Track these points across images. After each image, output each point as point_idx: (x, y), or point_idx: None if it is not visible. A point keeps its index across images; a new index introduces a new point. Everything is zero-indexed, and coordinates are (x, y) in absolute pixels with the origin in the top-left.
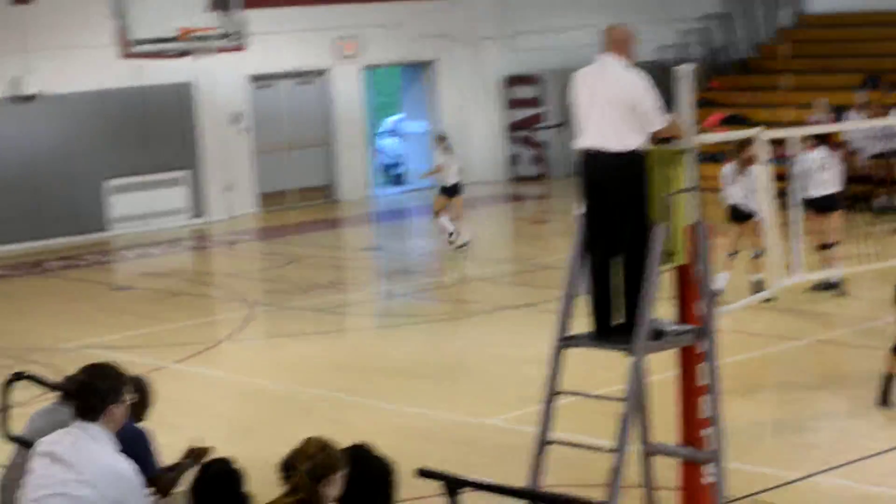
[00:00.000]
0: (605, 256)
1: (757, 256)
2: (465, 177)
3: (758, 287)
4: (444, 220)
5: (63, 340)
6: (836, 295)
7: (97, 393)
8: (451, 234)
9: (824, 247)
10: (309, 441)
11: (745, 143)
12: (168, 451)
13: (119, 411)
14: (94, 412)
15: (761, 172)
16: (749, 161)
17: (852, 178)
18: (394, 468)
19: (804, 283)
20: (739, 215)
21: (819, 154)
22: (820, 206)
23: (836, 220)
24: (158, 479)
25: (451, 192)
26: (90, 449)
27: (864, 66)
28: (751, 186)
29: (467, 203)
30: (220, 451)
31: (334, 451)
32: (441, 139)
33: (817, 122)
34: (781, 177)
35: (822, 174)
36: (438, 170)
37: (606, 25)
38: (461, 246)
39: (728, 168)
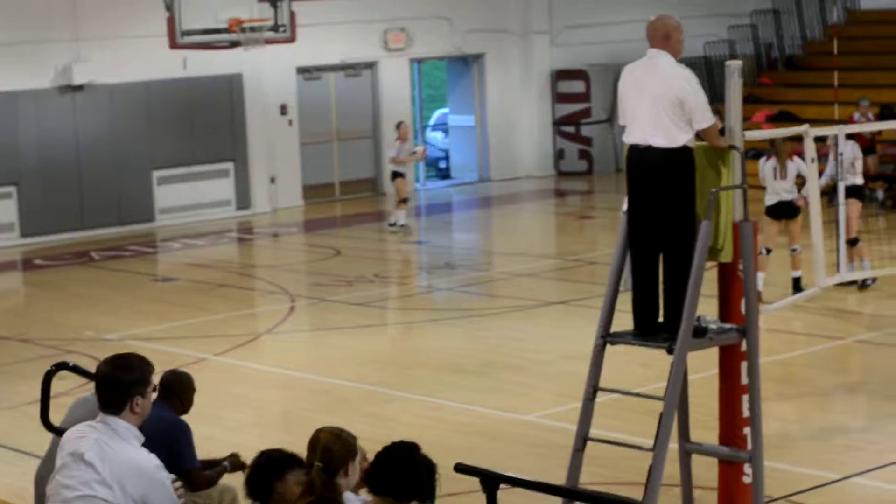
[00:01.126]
0: (649, 253)
1: (797, 252)
2: (502, 171)
3: (797, 284)
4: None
5: (106, 331)
6: (861, 290)
7: (121, 385)
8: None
9: (850, 242)
10: (320, 434)
11: (788, 139)
12: (208, 443)
13: (144, 403)
14: (117, 405)
15: (810, 170)
16: (790, 156)
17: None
18: (436, 467)
19: (842, 281)
20: (779, 212)
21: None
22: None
23: (853, 210)
24: (194, 472)
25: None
26: (112, 446)
27: None
28: (793, 180)
29: (514, 198)
30: (259, 444)
31: (346, 441)
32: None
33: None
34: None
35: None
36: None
37: (650, 18)
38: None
39: (770, 163)
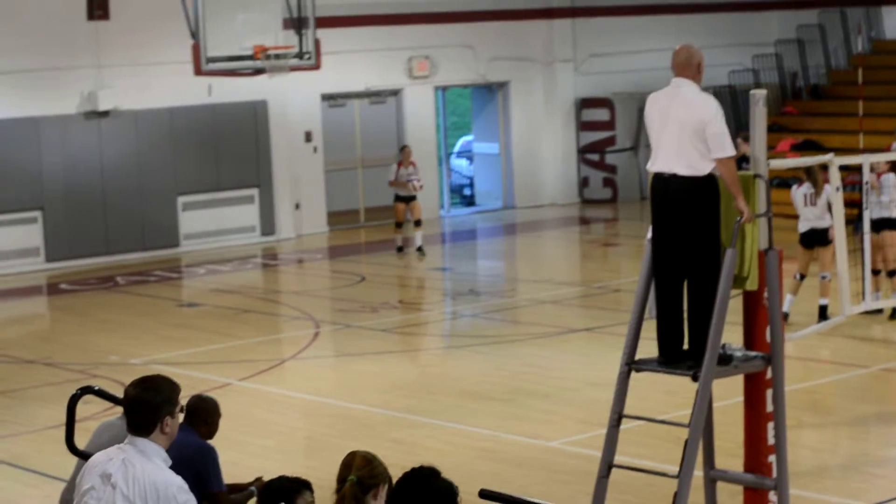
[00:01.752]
0: (674, 280)
1: (826, 279)
2: (527, 198)
3: (823, 312)
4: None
5: (130, 356)
6: (891, 319)
7: (149, 407)
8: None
9: (890, 273)
10: (356, 454)
11: (820, 167)
12: (232, 468)
13: (173, 424)
14: (146, 427)
15: (835, 199)
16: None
17: None
18: (458, 492)
19: (871, 309)
20: (811, 239)
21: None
22: (880, 226)
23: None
24: (221, 496)
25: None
26: (137, 466)
27: None
28: (824, 208)
29: (539, 225)
30: (282, 469)
31: (380, 464)
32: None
33: None
34: (852, 203)
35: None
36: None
37: (675, 48)
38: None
39: (801, 190)
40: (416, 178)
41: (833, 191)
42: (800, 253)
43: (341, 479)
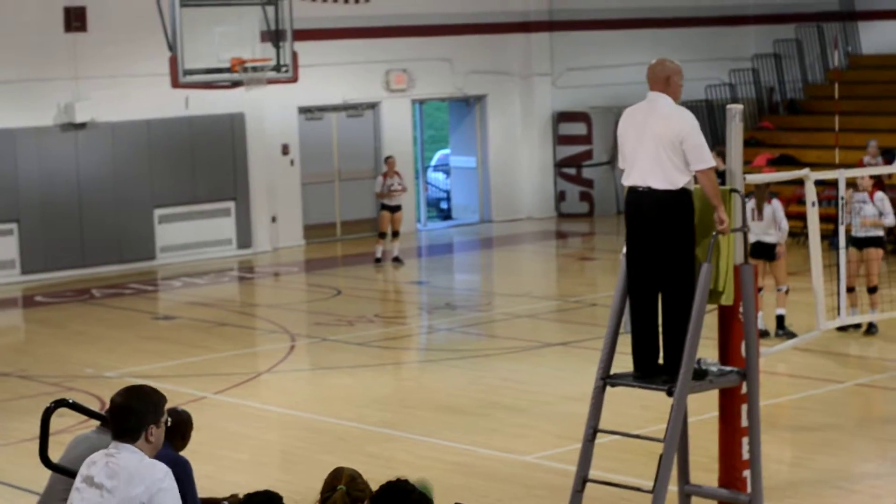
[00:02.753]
0: (648, 295)
1: (781, 291)
2: (503, 212)
3: (781, 322)
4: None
5: (106, 369)
6: (867, 335)
7: (135, 415)
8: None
9: (871, 290)
10: (342, 469)
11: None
12: (206, 482)
13: (157, 434)
14: (130, 434)
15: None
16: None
17: None
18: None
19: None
20: (758, 251)
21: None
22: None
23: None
24: None
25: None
26: (120, 460)
27: None
28: (770, 222)
29: (515, 239)
30: (257, 483)
31: (365, 482)
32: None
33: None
34: (828, 218)
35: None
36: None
37: (651, 62)
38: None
39: (749, 205)
40: (399, 183)
41: (808, 206)
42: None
43: (330, 489)
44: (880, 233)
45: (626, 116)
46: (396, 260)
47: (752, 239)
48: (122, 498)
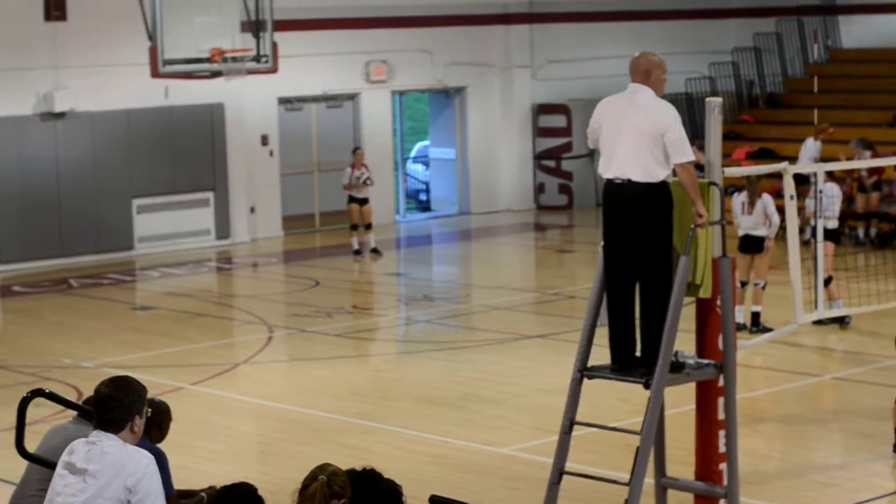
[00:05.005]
0: (626, 287)
1: (759, 286)
2: (482, 204)
3: (756, 318)
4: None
5: (83, 359)
6: (841, 328)
7: (121, 406)
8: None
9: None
10: (328, 464)
11: (765, 177)
12: (183, 472)
13: (140, 425)
14: (116, 424)
15: (788, 208)
16: (762, 191)
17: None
18: (401, 491)
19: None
20: (747, 245)
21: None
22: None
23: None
24: (170, 500)
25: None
26: (102, 446)
27: (895, 102)
28: (760, 216)
29: (494, 231)
30: (235, 474)
31: (347, 480)
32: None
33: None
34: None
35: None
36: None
37: (635, 54)
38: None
39: (739, 198)
40: (367, 177)
41: (787, 199)
42: (739, 260)
43: (312, 478)
44: (829, 225)
45: (606, 104)
46: (375, 251)
47: (740, 233)
48: (106, 483)
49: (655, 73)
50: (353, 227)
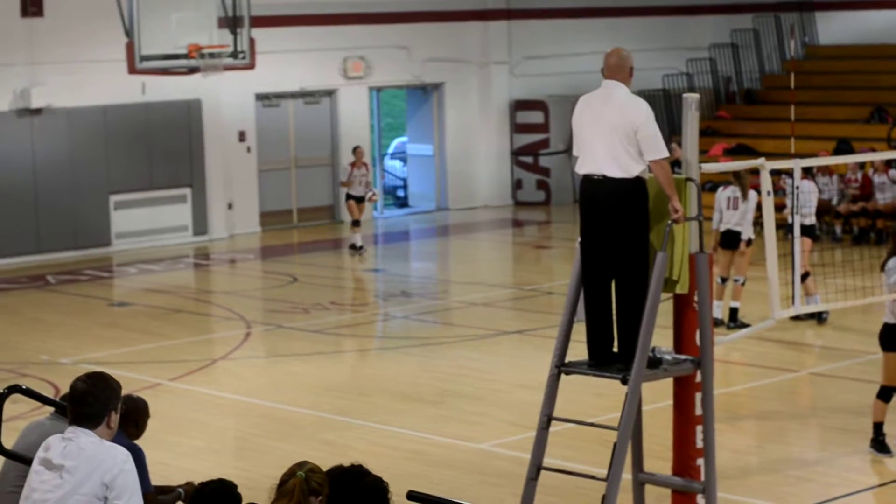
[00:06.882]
0: (603, 283)
1: (738, 283)
2: (460, 200)
3: (734, 314)
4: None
5: (60, 355)
6: (818, 324)
7: (98, 401)
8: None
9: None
10: (307, 462)
11: (748, 173)
12: (161, 468)
13: (115, 420)
14: (92, 420)
15: (766, 203)
16: (751, 188)
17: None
18: (387, 488)
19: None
20: (729, 240)
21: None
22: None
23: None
24: (148, 496)
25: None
26: (78, 442)
27: (872, 98)
28: (743, 215)
29: (472, 227)
30: (212, 470)
31: (325, 480)
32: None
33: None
34: (781, 207)
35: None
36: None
37: (607, 51)
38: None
39: (726, 193)
40: (373, 192)
41: (764, 195)
42: (719, 255)
43: (290, 474)
44: (806, 222)
45: (582, 103)
46: (357, 247)
47: (722, 228)
48: (82, 479)
49: (626, 67)
50: (356, 223)
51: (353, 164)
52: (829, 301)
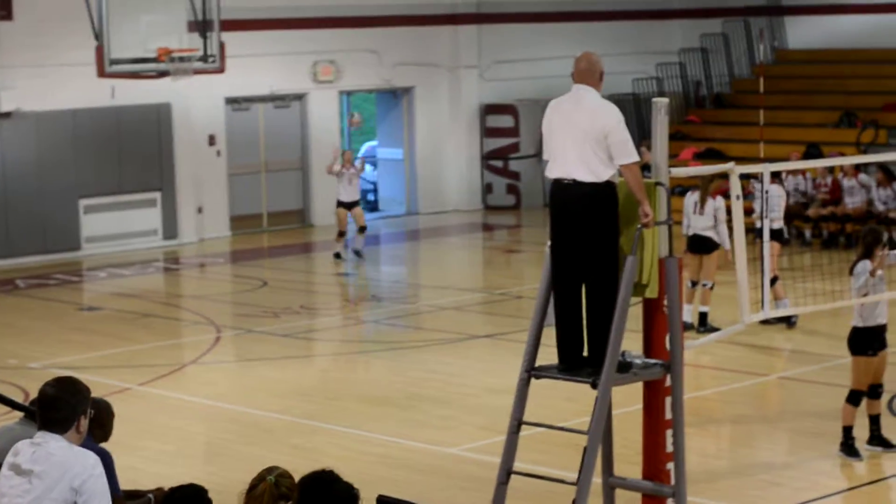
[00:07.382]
0: (572, 287)
1: (706, 287)
2: (430, 204)
3: (704, 319)
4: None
5: (29, 359)
6: (787, 327)
7: (67, 406)
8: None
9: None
10: (273, 466)
11: (711, 180)
12: (129, 473)
13: (84, 425)
14: (62, 425)
15: (735, 208)
16: (716, 193)
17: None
18: (358, 495)
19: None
20: (696, 245)
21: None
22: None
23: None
24: (116, 501)
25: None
26: (47, 447)
27: (841, 103)
28: (716, 217)
29: (442, 231)
30: (182, 474)
31: (293, 480)
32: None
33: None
34: (750, 212)
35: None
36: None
37: (577, 55)
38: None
39: (692, 197)
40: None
41: (734, 199)
42: (688, 259)
43: (259, 479)
44: (775, 226)
45: (552, 108)
46: (358, 254)
47: (689, 232)
48: (51, 484)
49: (596, 72)
50: (342, 234)
51: (343, 166)
52: (798, 305)
